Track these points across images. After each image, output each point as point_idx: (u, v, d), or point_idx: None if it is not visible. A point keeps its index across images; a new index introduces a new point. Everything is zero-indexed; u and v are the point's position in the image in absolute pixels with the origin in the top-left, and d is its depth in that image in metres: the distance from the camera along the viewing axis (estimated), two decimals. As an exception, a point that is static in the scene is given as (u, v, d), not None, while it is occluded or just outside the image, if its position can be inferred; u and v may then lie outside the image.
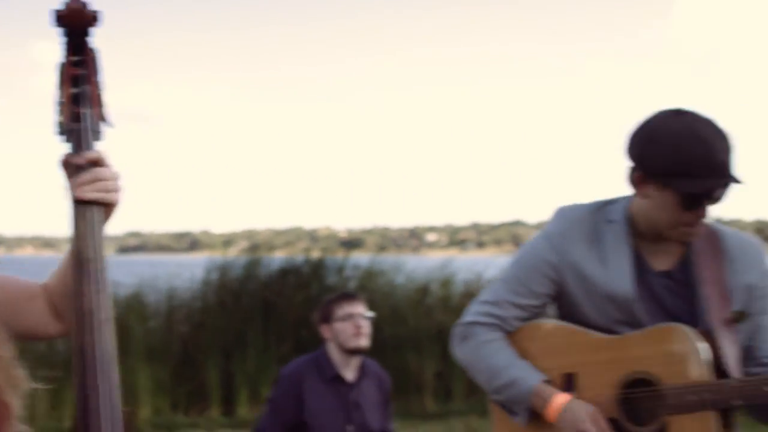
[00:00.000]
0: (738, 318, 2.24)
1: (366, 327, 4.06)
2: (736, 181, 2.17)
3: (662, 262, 2.32)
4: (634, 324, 2.27)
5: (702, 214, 2.20)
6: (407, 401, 8.87)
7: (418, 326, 9.05)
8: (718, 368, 2.20)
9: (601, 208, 2.35)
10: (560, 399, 2.27)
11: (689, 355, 2.19)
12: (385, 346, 9.05)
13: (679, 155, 2.14)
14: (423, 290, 9.73)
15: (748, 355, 2.30)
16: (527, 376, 2.31)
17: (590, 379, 2.29)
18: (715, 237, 2.32)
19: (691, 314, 2.27)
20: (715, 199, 2.19)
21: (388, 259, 10.29)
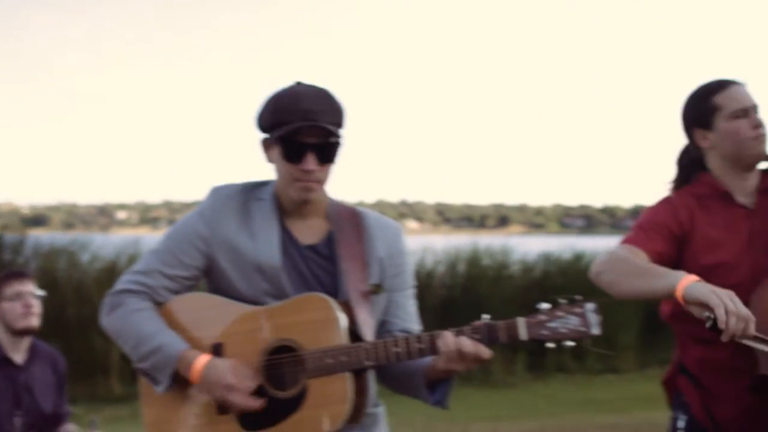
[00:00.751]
0: (374, 290, 2.42)
1: (36, 306, 3.91)
2: (330, 131, 2.36)
3: (308, 237, 2.46)
4: (281, 295, 2.39)
5: (307, 166, 2.36)
6: (93, 384, 8.61)
7: (105, 307, 8.78)
8: (355, 335, 2.35)
9: (252, 187, 2.50)
10: (203, 359, 2.36)
11: (328, 322, 2.32)
12: (69, 327, 8.73)
13: (273, 108, 2.38)
14: (110, 269, 9.47)
15: (383, 329, 2.48)
16: (174, 342, 2.38)
17: (237, 348, 2.38)
18: (358, 217, 2.51)
19: (333, 286, 2.42)
20: (316, 150, 2.36)
21: (75, 236, 9.91)
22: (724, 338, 2.37)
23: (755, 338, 2.39)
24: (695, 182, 2.87)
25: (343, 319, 2.34)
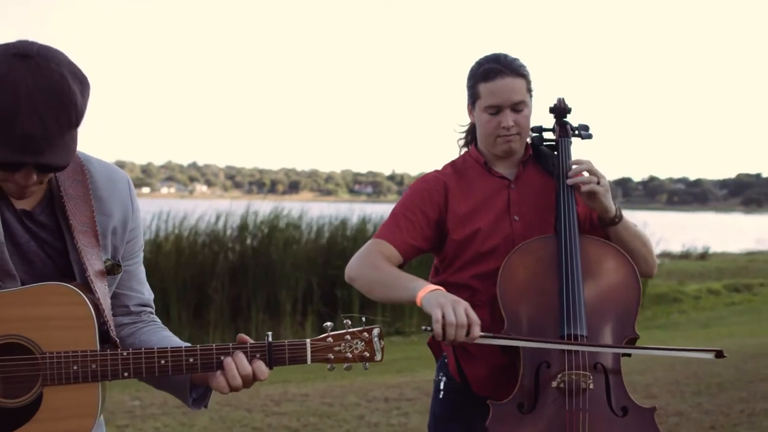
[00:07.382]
0: (112, 270, 2.06)
1: None
2: (51, 165, 1.83)
3: (24, 200, 1.97)
4: (3, 275, 1.94)
5: (17, 179, 1.85)
6: None
7: None
8: (100, 325, 1.98)
9: None
10: None
11: (79, 321, 1.94)
12: None
13: None
14: None
15: (114, 303, 2.11)
16: None
17: None
18: (83, 173, 2.04)
19: (65, 267, 2.00)
20: (36, 168, 1.84)
21: None
22: (446, 343, 2.58)
23: (483, 336, 2.55)
24: (464, 153, 3.01)
25: (91, 313, 1.94)
